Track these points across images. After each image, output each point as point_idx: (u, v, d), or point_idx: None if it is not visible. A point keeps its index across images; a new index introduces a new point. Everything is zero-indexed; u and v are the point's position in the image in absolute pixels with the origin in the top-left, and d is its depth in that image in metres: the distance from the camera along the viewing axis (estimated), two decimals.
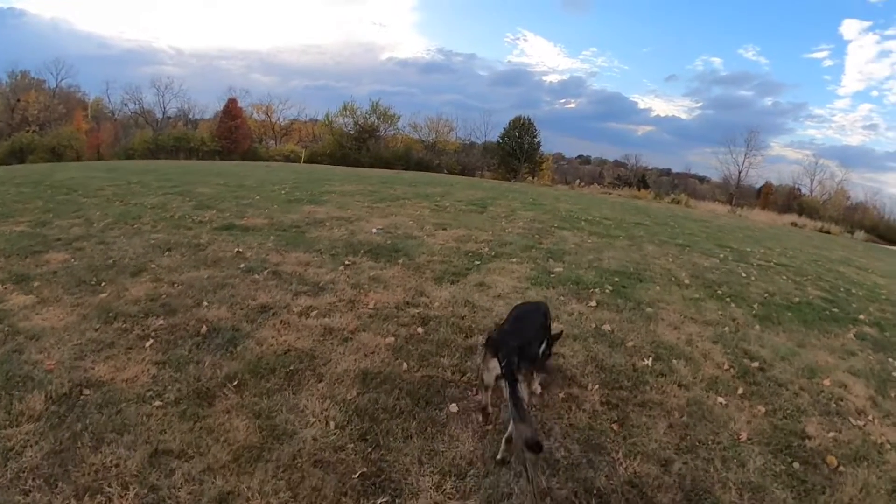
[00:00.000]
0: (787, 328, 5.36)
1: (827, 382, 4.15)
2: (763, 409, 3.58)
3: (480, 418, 3.08)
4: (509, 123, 44.23)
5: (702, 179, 57.53)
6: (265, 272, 5.39)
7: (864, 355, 4.94)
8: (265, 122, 50.20)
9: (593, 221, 11.16)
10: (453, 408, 3.18)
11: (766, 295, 6.51)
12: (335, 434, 2.86)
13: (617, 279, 6.19)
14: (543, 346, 3.21)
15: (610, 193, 32.27)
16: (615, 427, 3.16)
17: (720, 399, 3.62)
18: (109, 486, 2.39)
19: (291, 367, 3.51)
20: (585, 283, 5.87)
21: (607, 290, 5.68)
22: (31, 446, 2.61)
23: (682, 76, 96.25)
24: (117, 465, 2.52)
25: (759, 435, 3.28)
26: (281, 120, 51.19)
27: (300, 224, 7.94)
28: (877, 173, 73.85)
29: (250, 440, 2.77)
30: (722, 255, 8.98)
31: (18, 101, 39.17)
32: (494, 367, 2.74)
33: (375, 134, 44.33)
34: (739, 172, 48.19)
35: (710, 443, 3.13)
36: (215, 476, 2.50)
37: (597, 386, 3.61)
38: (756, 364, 4.28)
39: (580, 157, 67.66)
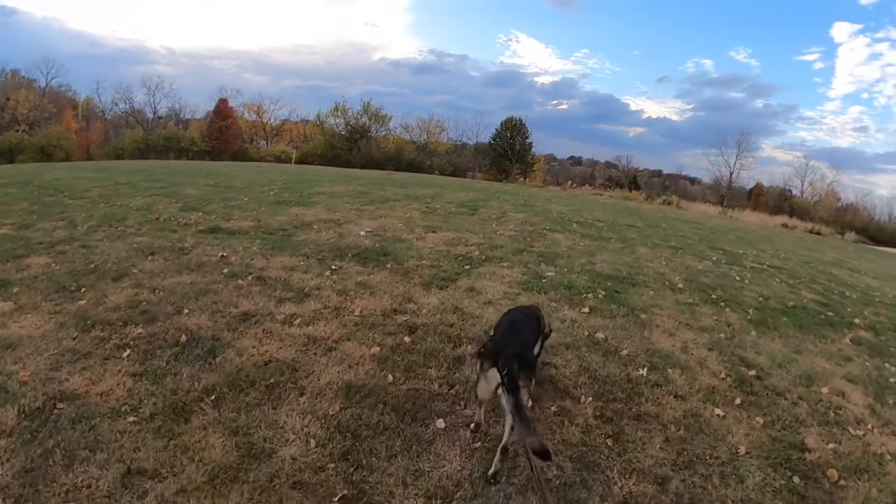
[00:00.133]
0: (782, 333, 5.28)
1: (825, 390, 4.07)
2: (761, 421, 3.48)
3: (469, 434, 2.95)
4: (501, 124, 44.21)
5: (693, 181, 57.83)
6: (249, 277, 5.23)
7: (860, 361, 4.87)
8: (256, 123, 49.86)
9: (585, 223, 11.06)
10: (440, 423, 3.04)
11: (760, 299, 6.43)
12: (315, 453, 2.71)
13: (610, 284, 6.08)
14: (538, 347, 3.15)
15: (601, 195, 32.30)
16: (609, 442, 3.04)
17: (717, 410, 3.52)
18: None
19: (272, 380, 3.35)
20: (578, 287, 5.75)
21: (600, 296, 5.56)
22: (1, 464, 2.49)
23: (674, 78, 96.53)
24: (89, 486, 2.40)
25: (758, 448, 3.18)
26: (272, 120, 50.96)
27: (287, 227, 7.78)
28: (867, 175, 74.33)
29: (227, 459, 2.63)
30: (715, 258, 8.91)
31: (8, 100, 38.63)
32: (494, 376, 2.60)
33: (367, 134, 44.18)
34: (731, 174, 48.53)
35: (707, 458, 3.02)
36: (189, 498, 2.37)
37: (590, 398, 3.48)
38: (753, 372, 4.18)
39: (572, 158, 67.71)
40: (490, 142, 44.58)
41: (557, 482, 2.69)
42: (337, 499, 2.42)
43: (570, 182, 41.46)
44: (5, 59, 43.26)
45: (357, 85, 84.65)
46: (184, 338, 3.85)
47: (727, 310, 5.74)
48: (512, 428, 2.53)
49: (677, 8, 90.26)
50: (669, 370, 4.00)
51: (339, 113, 44.31)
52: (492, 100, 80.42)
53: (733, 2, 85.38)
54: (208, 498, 2.37)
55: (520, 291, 5.47)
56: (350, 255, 6.32)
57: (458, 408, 3.23)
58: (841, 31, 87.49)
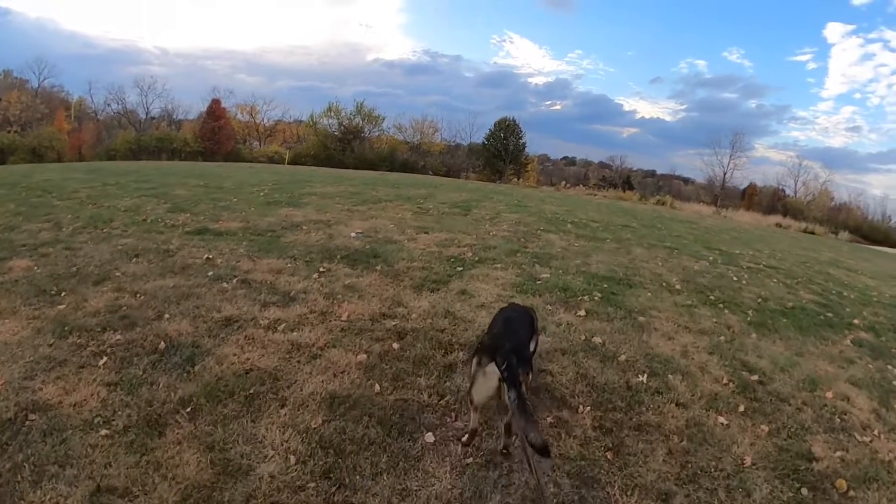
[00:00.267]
0: (783, 336, 5.15)
1: (829, 395, 3.95)
2: (766, 429, 3.33)
3: (460, 449, 2.78)
4: (495, 125, 43.99)
5: (686, 181, 57.92)
6: (234, 280, 5.06)
7: (862, 363, 4.77)
8: (249, 123, 49.53)
9: (580, 224, 10.92)
10: (429, 437, 2.86)
11: (759, 300, 6.31)
12: (295, 470, 2.53)
13: (606, 285, 5.93)
14: (533, 345, 3.06)
15: (595, 195, 32.31)
16: (609, 456, 2.87)
17: (721, 419, 3.36)
18: None
19: (252, 390, 3.17)
20: (573, 290, 5.59)
21: (596, 298, 5.41)
22: None
23: (667, 78, 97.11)
24: None
25: (764, 459, 3.03)
26: (265, 121, 50.61)
27: (276, 228, 7.60)
28: (860, 174, 74.52)
29: (201, 477, 2.46)
30: (711, 258, 8.79)
31: (0, 100, 38.28)
32: (493, 371, 2.51)
33: (360, 135, 43.97)
34: (724, 174, 48.56)
35: (712, 470, 2.86)
36: None
37: (588, 408, 3.31)
38: (755, 377, 4.04)
39: (565, 158, 67.69)
40: (484, 142, 44.37)
41: (555, 500, 2.52)
42: None
43: (563, 182, 41.43)
44: None
45: (351, 85, 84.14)
46: (163, 345, 3.68)
47: (726, 311, 5.61)
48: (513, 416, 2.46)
49: (671, 9, 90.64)
50: (670, 376, 3.85)
51: (333, 113, 44.10)
52: (485, 100, 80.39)
53: (726, 3, 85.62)
54: None
55: (514, 294, 5.31)
56: (339, 256, 6.15)
57: (448, 420, 3.05)
58: (834, 31, 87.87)
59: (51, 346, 3.64)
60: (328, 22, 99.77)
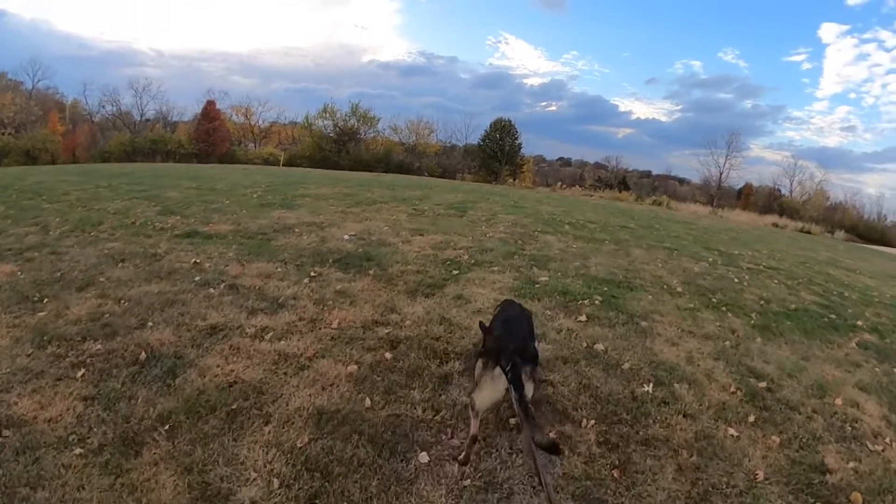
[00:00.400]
0: (788, 339, 5.01)
1: (838, 402, 3.81)
2: (777, 440, 3.19)
3: (457, 470, 2.61)
4: (490, 126, 43.93)
5: (682, 181, 58.04)
6: (222, 286, 4.88)
7: (869, 367, 4.65)
8: (244, 125, 49.48)
9: (577, 225, 10.76)
10: (423, 458, 2.68)
11: (761, 302, 6.16)
12: (279, 495, 2.36)
13: (606, 288, 5.76)
14: (535, 343, 2.98)
15: (592, 195, 32.25)
16: (616, 474, 2.70)
17: (731, 430, 3.21)
18: None
19: (234, 406, 2.99)
20: (573, 293, 5.42)
21: (597, 302, 5.24)
22: None
23: (663, 79, 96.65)
24: None
25: (777, 472, 2.89)
26: (260, 122, 50.61)
27: (267, 230, 7.41)
28: (855, 174, 74.90)
29: (178, 502, 2.29)
30: (711, 259, 8.64)
31: None
32: (499, 374, 2.51)
33: (355, 136, 43.87)
34: (720, 174, 48.71)
35: (724, 486, 2.71)
36: None
37: (592, 421, 3.14)
38: (763, 384, 3.89)
39: (561, 159, 67.64)
40: (479, 143, 44.30)
41: None
42: None
43: (559, 183, 41.38)
44: None
45: (346, 87, 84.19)
46: (143, 355, 3.51)
47: (729, 314, 5.46)
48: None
49: (666, 9, 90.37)
50: (676, 385, 3.68)
51: (328, 115, 44.08)
52: (481, 101, 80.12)
53: (721, 3, 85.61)
54: None
55: (511, 298, 5.13)
56: (331, 260, 5.97)
57: (444, 437, 2.88)
58: (828, 31, 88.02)
59: (29, 356, 3.48)
60: (323, 23, 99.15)
